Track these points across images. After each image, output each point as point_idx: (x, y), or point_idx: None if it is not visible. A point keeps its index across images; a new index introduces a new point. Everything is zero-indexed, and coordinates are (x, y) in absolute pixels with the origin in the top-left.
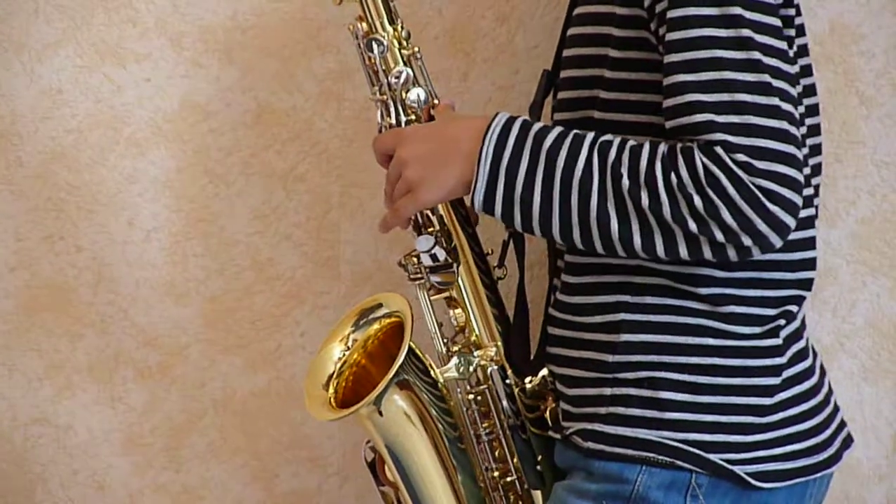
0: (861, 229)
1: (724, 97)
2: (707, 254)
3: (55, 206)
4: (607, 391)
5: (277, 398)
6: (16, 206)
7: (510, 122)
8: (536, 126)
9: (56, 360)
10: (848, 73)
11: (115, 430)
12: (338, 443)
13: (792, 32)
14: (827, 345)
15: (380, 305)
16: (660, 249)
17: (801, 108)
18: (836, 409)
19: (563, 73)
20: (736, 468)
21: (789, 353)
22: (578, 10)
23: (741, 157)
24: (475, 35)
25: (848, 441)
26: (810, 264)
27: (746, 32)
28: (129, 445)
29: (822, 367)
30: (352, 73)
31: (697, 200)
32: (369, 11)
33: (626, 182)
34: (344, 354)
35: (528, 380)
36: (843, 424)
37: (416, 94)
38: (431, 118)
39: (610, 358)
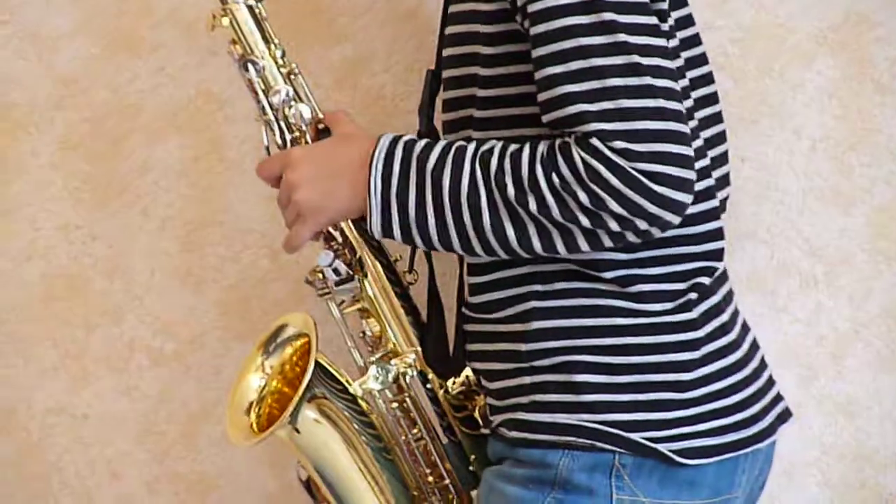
0: (877, 217)
1: (595, 84)
2: (608, 243)
3: (70, 195)
4: (526, 380)
5: None
6: (31, 195)
7: (393, 145)
8: (418, 146)
9: (71, 349)
10: (863, 60)
11: (130, 419)
12: None
13: (664, 5)
14: (843, 333)
15: (286, 326)
16: (560, 248)
17: (685, 82)
18: (771, 382)
19: (444, 73)
20: (659, 446)
21: (708, 328)
22: (451, 9)
23: (619, 143)
24: None
25: (784, 415)
26: (716, 234)
27: (608, 16)
28: (145, 434)
29: (753, 342)
30: (366, 61)
31: (583, 196)
32: (242, 34)
33: (511, 191)
34: (262, 382)
35: (450, 381)
36: (778, 398)
37: (298, 110)
38: (318, 133)
39: (524, 347)
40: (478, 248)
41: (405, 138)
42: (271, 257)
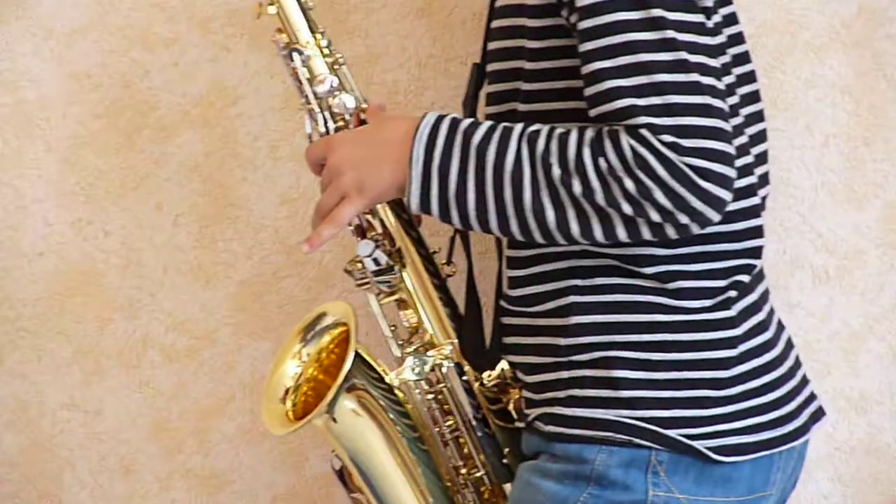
0: (889, 212)
1: (643, 80)
2: (646, 234)
3: (83, 190)
4: (564, 374)
5: None
6: (44, 190)
7: (439, 121)
8: (465, 123)
9: (84, 344)
10: (876, 56)
11: (143, 415)
12: None
13: (709, 3)
14: (856, 328)
15: (325, 315)
16: (598, 234)
17: (731, 78)
18: (805, 381)
19: (489, 67)
20: (696, 443)
21: (746, 326)
22: (499, 3)
23: (667, 137)
24: None
25: (818, 414)
26: (756, 232)
27: (657, 12)
28: (158, 430)
29: (788, 341)
30: (380, 56)
31: (629, 183)
32: (288, 22)
33: (556, 171)
34: (299, 369)
35: (486, 374)
36: (812, 397)
37: (342, 100)
38: (361, 123)
39: (563, 341)
40: (514, 228)
41: (451, 115)
42: (284, 253)
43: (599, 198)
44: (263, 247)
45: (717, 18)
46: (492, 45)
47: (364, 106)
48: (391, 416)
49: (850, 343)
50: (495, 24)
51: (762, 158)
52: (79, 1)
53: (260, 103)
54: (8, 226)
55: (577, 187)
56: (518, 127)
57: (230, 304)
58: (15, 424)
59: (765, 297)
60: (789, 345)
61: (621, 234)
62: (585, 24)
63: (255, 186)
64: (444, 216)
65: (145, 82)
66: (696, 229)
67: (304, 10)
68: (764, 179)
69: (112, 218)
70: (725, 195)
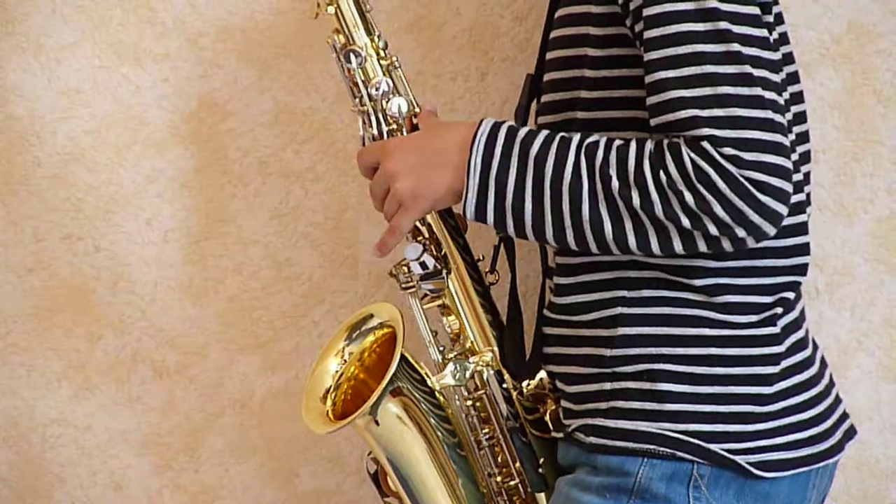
0: (879, 228)
1: (707, 91)
2: (702, 247)
3: (73, 206)
4: (607, 386)
5: (295, 398)
6: (34, 206)
7: (496, 129)
8: (522, 132)
9: (74, 360)
10: (865, 71)
11: (133, 430)
12: (356, 442)
13: (770, 18)
14: (845, 343)
15: (371, 316)
16: (655, 247)
17: (786, 95)
18: (838, 400)
19: (547, 76)
20: (738, 458)
21: (788, 343)
22: (559, 13)
23: (728, 150)
24: (493, 34)
25: (850, 432)
26: (803, 249)
27: (724, 25)
28: (148, 445)
29: (822, 359)
30: None
31: (688, 196)
32: (345, 23)
33: (615, 183)
34: (341, 368)
35: (525, 382)
36: (845, 415)
37: (396, 104)
38: (414, 127)
39: (608, 352)
40: (570, 239)
41: (508, 123)
42: (274, 269)
43: (658, 211)
44: (253, 262)
45: (775, 35)
46: (551, 55)
47: (417, 110)
48: (433, 421)
49: (839, 358)
50: (555, 33)
51: (808, 178)
52: (69, 16)
53: (250, 119)
54: None
55: (636, 200)
56: (576, 138)
57: (220, 320)
58: (5, 440)
59: (803, 314)
60: (824, 362)
61: (678, 246)
62: (651, 33)
63: (244, 202)
64: (499, 225)
65: (135, 98)
66: (751, 243)
67: (363, 12)
68: (809, 198)
69: (102, 234)
70: (783, 209)
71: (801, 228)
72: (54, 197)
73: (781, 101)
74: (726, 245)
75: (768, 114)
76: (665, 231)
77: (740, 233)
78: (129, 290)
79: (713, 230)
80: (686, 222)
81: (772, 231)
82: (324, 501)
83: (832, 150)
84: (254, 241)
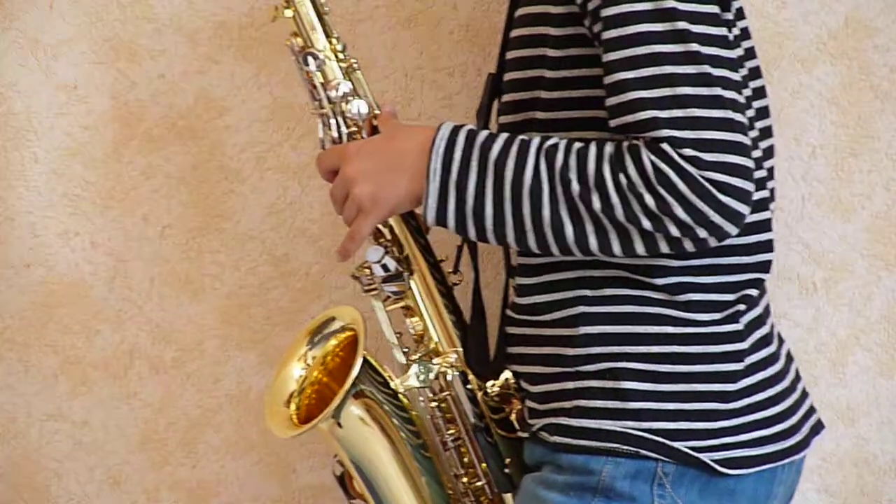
0: (876, 223)
1: (666, 92)
2: (664, 248)
3: (70, 201)
4: (570, 385)
5: None
6: (31, 202)
7: (455, 133)
8: (482, 136)
9: (71, 356)
10: (863, 67)
11: (130, 426)
12: None
13: (730, 16)
14: (842, 339)
15: (333, 319)
16: (616, 249)
17: (748, 92)
18: (805, 395)
19: (507, 76)
20: (702, 455)
21: (751, 339)
22: (519, 12)
23: (688, 151)
24: (490, 30)
25: (817, 427)
26: (767, 246)
27: (682, 25)
28: (145, 441)
29: (788, 354)
30: (366, 67)
31: (649, 199)
32: (303, 26)
33: (575, 187)
34: (304, 372)
35: (490, 383)
36: (812, 410)
37: (356, 106)
38: (374, 129)
39: (570, 352)
40: (532, 242)
41: (467, 127)
42: (272, 264)
43: (619, 214)
44: (250, 258)
45: (735, 31)
46: (511, 55)
47: (377, 112)
48: (396, 422)
49: (837, 354)
50: (515, 33)
51: (771, 174)
52: (66, 12)
53: (247, 115)
54: None
55: (596, 203)
56: (535, 141)
57: (217, 316)
58: (2, 436)
59: (768, 310)
60: (790, 358)
61: (639, 248)
62: (609, 34)
63: (241, 198)
64: (461, 230)
65: (133, 94)
66: (713, 243)
67: (321, 15)
68: (773, 194)
69: (99, 229)
70: (744, 209)
71: (765, 225)
72: (51, 193)
73: (742, 100)
74: (688, 246)
75: (728, 113)
76: (626, 233)
77: (702, 233)
78: (126, 285)
79: (674, 231)
80: (647, 224)
81: (734, 231)
82: (321, 497)
83: (829, 146)
84: (251, 237)
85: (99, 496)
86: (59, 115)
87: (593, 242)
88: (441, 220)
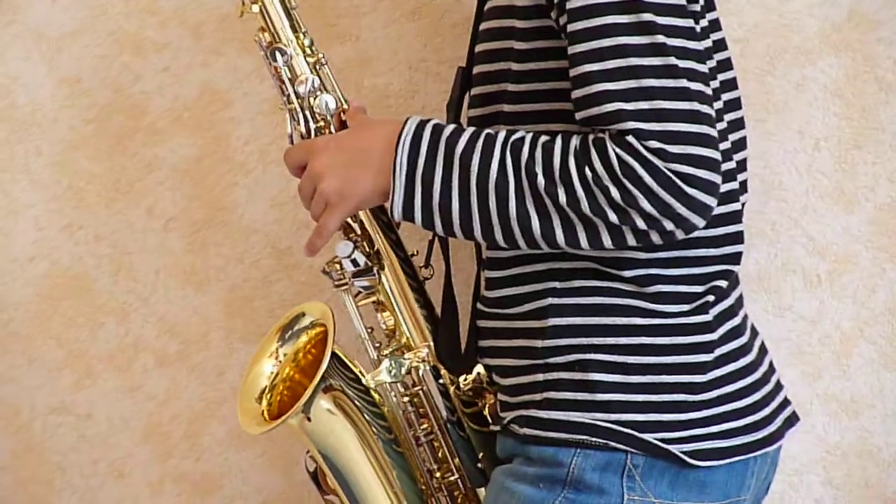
0: (880, 215)
1: (632, 84)
2: (631, 241)
3: (75, 194)
4: (540, 377)
5: None
6: (35, 195)
7: (421, 127)
8: (447, 130)
9: (76, 348)
10: (867, 59)
11: (134, 419)
12: None
13: (697, 7)
14: (846, 331)
15: (303, 315)
16: (584, 242)
17: (716, 83)
18: (779, 387)
19: (476, 69)
20: (671, 447)
21: (721, 331)
22: (488, 5)
23: (654, 143)
24: None
25: (792, 419)
26: (736, 238)
27: (647, 16)
28: (149, 434)
29: (762, 346)
30: (370, 60)
31: (614, 192)
32: (271, 21)
33: (541, 181)
34: (275, 369)
35: (462, 377)
36: (786, 402)
37: (324, 101)
38: (343, 124)
39: (539, 343)
40: (499, 236)
41: (433, 122)
42: (275, 257)
43: (585, 207)
44: (254, 251)
45: (704, 23)
46: (479, 48)
47: (345, 107)
48: (367, 417)
49: (841, 346)
50: (483, 26)
51: (742, 165)
52: (70, 5)
53: (251, 107)
54: None
55: (562, 197)
56: (501, 135)
57: (221, 308)
58: (6, 429)
59: (740, 302)
60: (763, 350)
61: (606, 241)
62: (575, 26)
63: (245, 190)
64: (428, 225)
65: (136, 86)
66: (680, 235)
67: (288, 10)
68: (744, 186)
69: (103, 222)
70: (711, 201)
71: (734, 217)
72: (55, 185)
73: (709, 92)
74: (655, 238)
75: (694, 105)
76: (593, 226)
77: (668, 226)
78: (131, 278)
79: (641, 224)
80: (613, 217)
81: (701, 223)
82: None
83: (833, 138)
84: (255, 230)
85: (103, 489)
86: (62, 107)
87: (560, 236)
88: (408, 215)
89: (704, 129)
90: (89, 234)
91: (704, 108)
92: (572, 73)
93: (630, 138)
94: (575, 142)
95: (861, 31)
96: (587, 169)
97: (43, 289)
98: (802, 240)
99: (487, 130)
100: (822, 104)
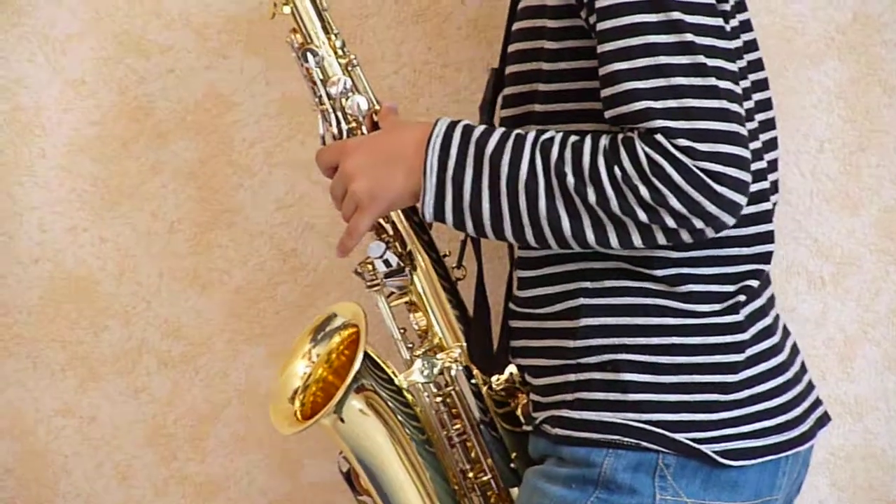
0: (885, 218)
1: (660, 82)
2: (661, 240)
3: (79, 197)
4: (572, 377)
5: None
6: (39, 197)
7: (451, 128)
8: (478, 130)
9: (80, 351)
10: (871, 62)
11: (138, 421)
12: None
13: (727, 7)
14: (851, 334)
15: (335, 316)
16: (614, 241)
17: (747, 83)
18: (810, 386)
19: (508, 69)
20: (703, 447)
21: (753, 331)
22: (521, 5)
23: (683, 141)
24: (498, 25)
25: (824, 419)
26: (767, 237)
27: (676, 15)
28: (153, 436)
29: (793, 346)
30: (374, 62)
31: (644, 190)
32: (302, 23)
33: (571, 180)
34: (308, 369)
35: (494, 378)
36: (817, 403)
37: (355, 102)
38: (375, 125)
39: (571, 344)
40: (529, 236)
41: (463, 122)
42: (280, 260)
43: (615, 206)
44: (259, 253)
45: (734, 23)
46: (511, 48)
47: (377, 108)
48: (400, 418)
49: (845, 349)
50: (516, 26)
51: (773, 165)
52: (74, 8)
53: (255, 110)
54: (3, 232)
55: (591, 196)
56: (531, 135)
57: (226, 311)
58: (10, 431)
59: (771, 301)
60: (795, 350)
61: (636, 240)
62: (604, 25)
63: (250, 193)
64: (459, 225)
65: (141, 89)
66: (710, 233)
67: (320, 11)
68: (775, 186)
69: (108, 225)
70: (741, 199)
71: (765, 217)
72: (60, 188)
73: (738, 91)
74: (685, 237)
75: (723, 103)
76: (623, 226)
77: (698, 224)
78: (135, 280)
79: (671, 223)
80: (643, 216)
81: (731, 221)
82: (329, 492)
83: (838, 141)
84: (259, 232)
85: (107, 491)
86: (67, 110)
87: (590, 236)
88: (439, 215)
89: (734, 126)
90: (94, 237)
91: (733, 107)
92: (601, 71)
93: (659, 137)
94: (604, 141)
95: (865, 33)
96: (616, 168)
97: (47, 291)
98: (807, 242)
99: (517, 131)
100: (826, 107)
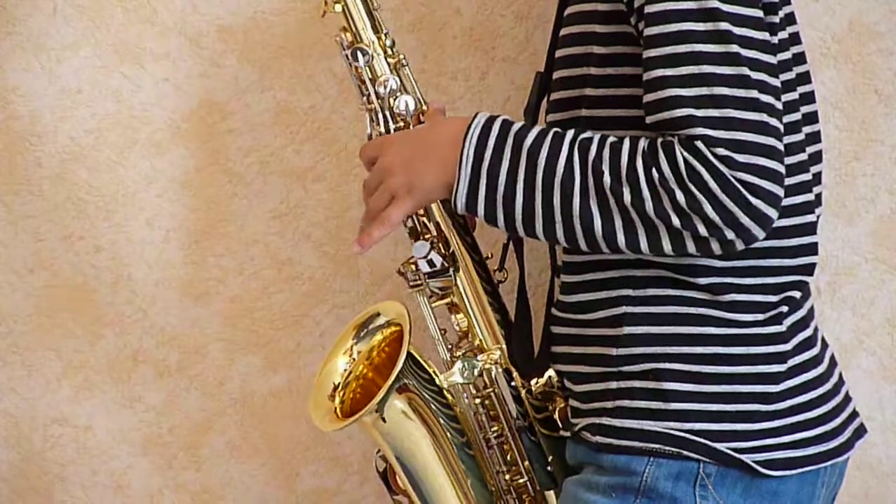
0: (880, 227)
1: (703, 91)
2: (691, 248)
3: (74, 206)
4: (613, 385)
5: (297, 397)
6: (35, 206)
7: (490, 122)
8: (516, 125)
9: (75, 360)
10: (867, 71)
11: (134, 430)
12: (358, 442)
13: (776, 20)
14: (846, 343)
15: (378, 315)
16: (643, 245)
17: (795, 95)
18: (848, 398)
19: (556, 74)
20: (744, 457)
21: (795, 341)
22: (568, 10)
23: (721, 150)
24: (494, 34)
25: (861, 431)
26: (811, 249)
27: (724, 25)
28: (149, 445)
29: (832, 357)
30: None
31: (679, 195)
32: (353, 21)
33: (607, 179)
34: (349, 366)
35: (534, 381)
36: (854, 414)
37: (403, 101)
38: (421, 124)
39: (614, 351)
40: (560, 234)
41: (502, 117)
42: (275, 269)
43: (649, 208)
44: (254, 262)
45: (783, 35)
46: (559, 53)
47: (424, 108)
48: (441, 419)
49: (840, 358)
50: (564, 31)
51: (818, 178)
52: (70, 17)
53: (250, 119)
54: None
55: (627, 196)
56: (570, 133)
57: (221, 320)
58: (6, 440)
59: (811, 313)
60: (833, 361)
61: (666, 246)
62: (651, 31)
63: (245, 202)
64: (490, 217)
65: (136, 98)
66: (740, 246)
67: (370, 10)
68: (819, 199)
69: (103, 233)
70: (773, 213)
71: (809, 228)
72: (55, 196)
73: (779, 106)
74: (715, 247)
75: (763, 117)
76: (654, 230)
77: (729, 234)
78: (130, 289)
79: (702, 230)
80: (676, 221)
81: (761, 234)
82: (325, 501)
83: (833, 150)
84: (255, 241)
85: (102, 500)
86: (62, 119)
87: (621, 238)
88: (471, 206)
89: (772, 141)
90: (89, 246)
91: (773, 121)
92: (645, 76)
93: (699, 144)
94: (643, 143)
95: (861, 42)
96: (654, 170)
97: (42, 300)
98: None
99: (556, 129)
100: (821, 116)
